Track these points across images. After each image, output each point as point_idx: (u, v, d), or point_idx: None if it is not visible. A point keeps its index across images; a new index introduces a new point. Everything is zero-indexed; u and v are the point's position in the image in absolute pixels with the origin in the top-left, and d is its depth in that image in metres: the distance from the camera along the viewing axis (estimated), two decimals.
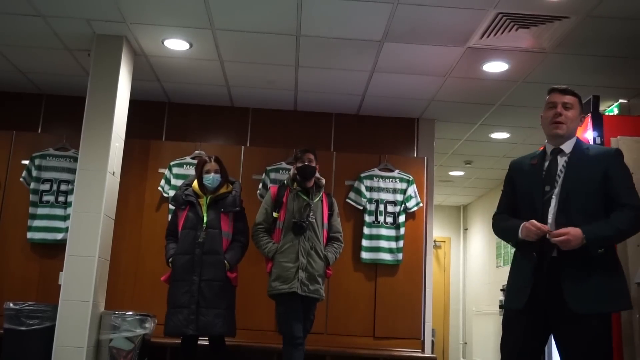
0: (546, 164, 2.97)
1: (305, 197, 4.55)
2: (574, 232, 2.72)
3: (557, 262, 2.80)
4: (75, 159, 5.41)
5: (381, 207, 5.97)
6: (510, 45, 4.92)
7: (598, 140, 4.25)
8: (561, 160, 2.95)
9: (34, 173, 5.73)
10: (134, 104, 5.47)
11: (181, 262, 4.41)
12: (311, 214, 4.50)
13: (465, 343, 10.71)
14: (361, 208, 5.97)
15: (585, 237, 2.71)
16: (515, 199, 3.08)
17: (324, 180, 4.73)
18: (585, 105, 4.54)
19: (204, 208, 4.51)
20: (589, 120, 4.32)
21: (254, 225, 4.63)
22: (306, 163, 4.54)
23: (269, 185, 5.72)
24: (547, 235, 2.78)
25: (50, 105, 6.47)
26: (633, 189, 2.87)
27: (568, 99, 2.97)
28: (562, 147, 2.97)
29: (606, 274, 2.79)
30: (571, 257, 2.76)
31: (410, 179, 6.03)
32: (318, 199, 4.61)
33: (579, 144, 2.99)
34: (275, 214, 4.57)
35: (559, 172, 2.91)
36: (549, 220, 2.87)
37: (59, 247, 5.40)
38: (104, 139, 4.92)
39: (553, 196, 2.88)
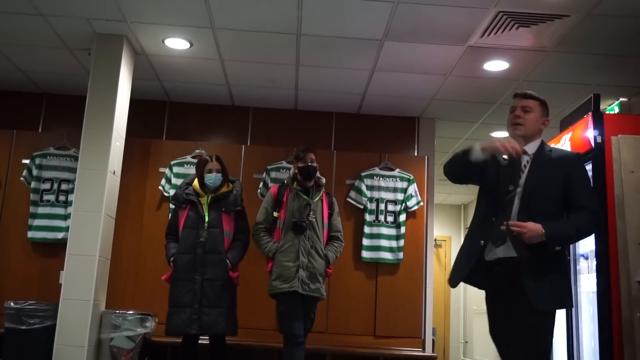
0: (511, 162, 3.06)
1: (305, 197, 4.54)
2: (532, 227, 2.84)
3: (519, 259, 2.92)
4: (76, 158, 5.42)
5: (382, 206, 5.97)
6: (510, 44, 4.92)
7: (599, 139, 4.25)
8: (524, 161, 3.05)
9: (35, 172, 5.73)
10: (134, 103, 5.47)
11: (183, 261, 4.41)
12: (311, 213, 4.49)
13: (466, 342, 10.72)
14: (362, 207, 5.97)
15: (546, 234, 2.83)
16: (482, 170, 3.12)
17: (324, 180, 4.73)
18: (586, 104, 4.55)
19: (205, 207, 4.51)
20: (589, 119, 4.32)
21: (255, 224, 4.62)
22: (309, 163, 4.54)
23: (270, 184, 5.72)
24: (506, 223, 2.90)
25: (50, 104, 6.47)
26: (592, 193, 3.03)
27: (527, 102, 3.11)
28: (526, 147, 3.08)
29: (559, 273, 2.96)
30: (533, 256, 2.89)
31: (411, 178, 6.03)
32: (318, 198, 4.60)
33: (542, 147, 3.10)
34: (275, 214, 4.57)
35: (520, 172, 3.03)
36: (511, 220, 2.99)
37: (59, 246, 5.41)
38: (104, 138, 4.92)
39: (515, 196, 3.00)
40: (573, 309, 4.50)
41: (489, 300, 3.17)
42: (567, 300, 3.03)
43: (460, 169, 3.14)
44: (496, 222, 2.98)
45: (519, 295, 2.87)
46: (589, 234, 3.05)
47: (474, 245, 3.04)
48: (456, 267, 3.15)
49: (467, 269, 3.04)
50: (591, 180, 3.08)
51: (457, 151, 3.25)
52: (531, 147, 3.09)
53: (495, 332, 3.10)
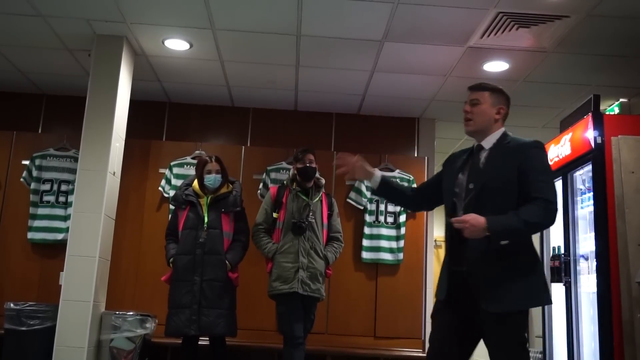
0: (469, 161, 2.96)
1: (304, 197, 4.54)
2: (474, 220, 2.65)
3: (471, 259, 2.76)
4: (76, 159, 5.41)
5: (382, 207, 5.97)
6: (510, 45, 4.92)
7: (599, 140, 4.25)
8: (481, 156, 2.91)
9: (35, 173, 5.73)
10: (134, 104, 5.47)
11: (182, 262, 4.41)
12: (310, 214, 4.49)
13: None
14: (362, 208, 5.97)
15: (488, 227, 2.63)
16: (436, 190, 3.06)
17: (323, 180, 4.73)
18: (586, 105, 4.56)
19: (205, 208, 4.50)
20: (589, 119, 4.32)
21: (254, 225, 4.62)
22: (307, 164, 4.54)
23: (270, 185, 5.72)
24: (450, 220, 2.77)
25: (50, 105, 6.47)
26: (547, 182, 2.77)
27: (474, 95, 2.94)
28: (482, 143, 2.94)
29: (520, 271, 2.73)
30: (484, 257, 2.72)
31: (411, 179, 6.03)
32: (317, 199, 4.60)
33: (501, 139, 2.91)
34: (275, 214, 4.57)
35: (479, 169, 2.88)
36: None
37: (59, 247, 5.41)
38: (104, 139, 4.92)
39: (474, 194, 2.84)
40: (573, 309, 4.50)
41: (442, 317, 2.89)
42: (529, 300, 2.77)
43: (397, 203, 3.10)
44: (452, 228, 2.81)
45: (476, 302, 2.70)
46: (542, 226, 2.82)
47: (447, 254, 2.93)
48: (439, 280, 2.95)
49: (445, 281, 2.85)
50: (548, 168, 2.83)
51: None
52: (489, 141, 2.91)
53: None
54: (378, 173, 3.06)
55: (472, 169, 2.89)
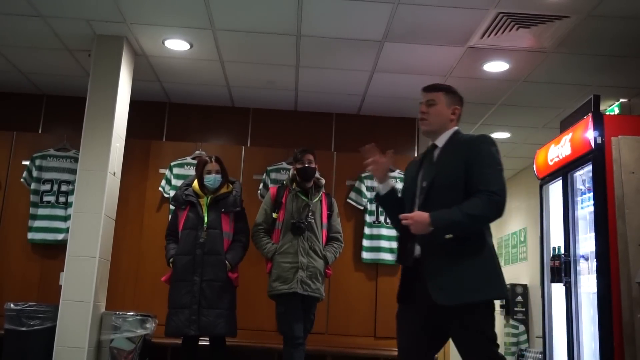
0: (425, 161, 3.01)
1: (304, 198, 4.55)
2: (417, 217, 2.71)
3: (420, 258, 2.80)
4: (76, 160, 5.42)
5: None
6: (510, 45, 4.92)
7: (599, 140, 4.25)
8: (435, 155, 2.97)
9: (35, 173, 5.73)
10: (134, 104, 5.47)
11: (182, 262, 4.41)
12: (310, 214, 4.50)
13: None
14: (362, 208, 5.97)
15: (431, 222, 2.69)
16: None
17: (323, 181, 4.73)
18: (586, 105, 4.56)
19: (205, 208, 4.50)
20: (589, 119, 4.32)
21: (254, 225, 4.63)
22: (306, 165, 4.54)
23: (270, 185, 5.72)
24: (400, 217, 2.79)
25: (50, 105, 6.47)
26: (492, 174, 2.79)
27: (430, 95, 3.00)
28: (436, 141, 2.98)
29: (470, 264, 2.74)
30: (433, 252, 2.75)
31: None
32: (317, 199, 4.61)
33: (453, 136, 2.96)
34: (274, 215, 4.58)
35: (433, 167, 2.93)
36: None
37: (59, 248, 5.41)
38: (104, 139, 4.92)
39: (425, 190, 2.89)
40: (573, 310, 4.50)
41: (406, 317, 2.93)
42: (484, 292, 2.74)
43: (392, 217, 3.07)
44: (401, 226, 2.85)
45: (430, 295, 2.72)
46: (486, 218, 2.78)
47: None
48: (400, 280, 2.98)
49: (404, 278, 2.90)
50: (495, 160, 2.83)
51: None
52: (441, 140, 2.96)
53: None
54: (391, 181, 3.09)
55: (426, 168, 2.96)
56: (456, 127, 3.01)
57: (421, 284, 2.79)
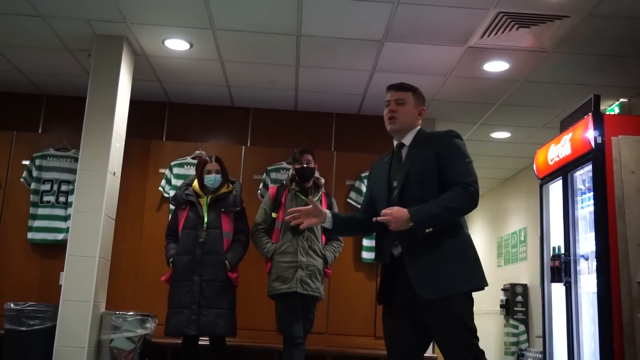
0: (393, 160, 3.02)
1: (303, 197, 4.55)
2: (396, 213, 2.71)
3: (402, 254, 2.81)
4: (76, 159, 5.41)
5: None
6: (511, 45, 4.91)
7: (599, 140, 4.25)
8: (403, 153, 2.98)
9: (35, 173, 5.73)
10: (134, 104, 5.47)
11: (182, 262, 4.41)
12: None
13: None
14: None
15: (410, 218, 2.69)
16: (373, 199, 3.12)
17: (323, 180, 4.73)
18: (586, 104, 4.55)
19: (205, 208, 4.50)
20: (589, 119, 4.31)
21: (254, 225, 4.63)
22: (305, 165, 4.54)
23: (270, 185, 5.72)
24: (374, 218, 2.80)
25: (50, 105, 6.47)
26: (463, 166, 2.83)
27: (400, 94, 3.06)
28: (403, 140, 3.01)
29: (451, 257, 2.77)
30: (414, 248, 2.77)
31: None
32: (317, 198, 4.61)
33: (418, 134, 3.00)
34: (274, 214, 4.58)
35: (401, 165, 2.94)
36: None
37: (59, 248, 5.41)
38: (104, 139, 4.92)
39: (398, 189, 2.90)
40: (573, 309, 4.50)
41: (392, 319, 2.97)
42: (466, 283, 2.77)
43: (353, 229, 3.18)
44: (377, 224, 2.85)
45: (415, 292, 2.74)
46: (462, 210, 2.80)
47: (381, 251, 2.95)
48: (380, 282, 3.02)
49: (383, 280, 2.92)
50: (464, 153, 2.88)
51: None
52: (408, 138, 2.99)
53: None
54: (328, 212, 3.05)
55: (395, 167, 2.97)
56: (420, 126, 3.06)
57: (401, 281, 2.82)
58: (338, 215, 3.12)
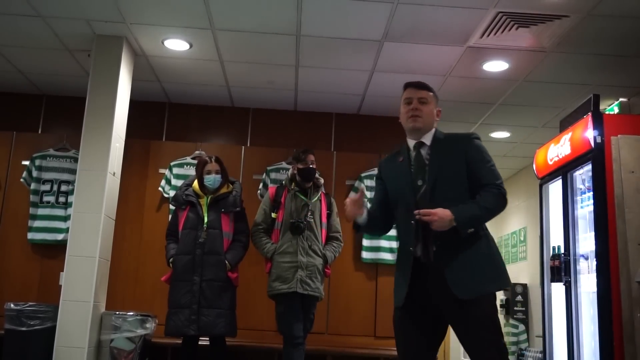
0: (412, 159, 3.00)
1: (303, 197, 4.55)
2: (441, 213, 2.75)
3: (435, 254, 2.82)
4: (76, 160, 5.41)
5: None
6: (510, 45, 4.92)
7: (598, 139, 4.25)
8: (424, 153, 2.99)
9: (35, 173, 5.73)
10: (134, 104, 5.47)
11: (182, 262, 4.41)
12: (309, 214, 4.50)
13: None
14: None
15: (455, 218, 2.75)
16: (387, 198, 3.11)
17: (322, 180, 4.74)
18: (586, 104, 4.56)
19: (205, 208, 4.51)
20: (589, 119, 4.32)
21: (253, 225, 4.63)
22: (310, 165, 4.54)
23: (270, 185, 5.72)
24: (417, 213, 2.80)
25: (50, 105, 6.47)
26: (492, 168, 2.93)
27: (423, 93, 3.04)
28: (423, 139, 3.01)
29: (483, 256, 2.85)
30: (448, 247, 2.80)
31: None
32: (316, 198, 4.61)
33: (437, 134, 3.04)
34: (273, 215, 4.58)
35: (425, 165, 2.95)
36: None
37: (59, 248, 5.41)
38: (104, 140, 4.92)
39: (427, 189, 2.91)
40: (573, 309, 4.50)
41: (406, 323, 2.93)
42: (497, 282, 2.86)
43: (373, 232, 3.10)
44: (416, 222, 2.86)
45: (446, 292, 2.75)
46: (498, 211, 2.92)
47: (406, 253, 2.93)
48: (397, 284, 2.97)
49: (407, 280, 2.87)
50: (489, 156, 2.97)
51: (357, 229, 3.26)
52: (428, 138, 3.01)
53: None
54: (363, 209, 3.08)
55: (417, 166, 2.97)
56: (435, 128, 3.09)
57: (425, 281, 2.83)
58: (368, 213, 3.12)
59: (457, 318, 2.82)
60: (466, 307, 2.75)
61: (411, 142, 3.04)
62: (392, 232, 5.83)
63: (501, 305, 8.15)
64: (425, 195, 2.88)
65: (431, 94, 3.08)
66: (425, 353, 2.89)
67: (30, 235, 5.62)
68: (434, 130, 3.05)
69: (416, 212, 2.79)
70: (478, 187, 2.87)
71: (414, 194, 2.92)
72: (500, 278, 2.88)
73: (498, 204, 2.87)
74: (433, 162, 2.94)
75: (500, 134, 7.14)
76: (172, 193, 5.54)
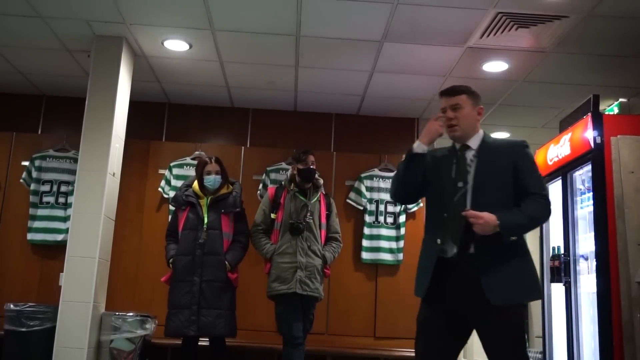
0: (455, 160, 2.99)
1: (302, 198, 4.55)
2: (487, 217, 2.74)
3: (475, 255, 2.81)
4: (76, 160, 5.41)
5: (381, 207, 5.97)
6: (510, 45, 4.92)
7: (598, 140, 4.25)
8: (469, 156, 2.96)
9: (34, 174, 5.73)
10: (134, 104, 5.47)
11: (182, 262, 4.41)
12: (308, 214, 4.50)
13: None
14: (361, 208, 5.97)
15: (500, 224, 2.74)
16: (422, 181, 3.04)
17: (321, 181, 4.73)
18: (585, 104, 4.55)
19: (205, 209, 4.50)
20: (589, 119, 4.32)
21: (253, 226, 4.63)
22: (310, 166, 4.54)
23: (269, 185, 5.72)
24: (466, 211, 2.79)
25: (50, 106, 6.47)
26: (539, 178, 2.95)
27: (454, 100, 2.99)
28: (469, 142, 2.99)
29: (520, 265, 2.85)
30: (486, 250, 2.79)
31: None
32: (316, 199, 4.61)
33: (486, 139, 3.00)
34: (272, 215, 4.58)
35: (467, 167, 2.93)
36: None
37: (59, 248, 5.41)
38: (104, 140, 4.92)
39: (466, 192, 2.89)
40: (573, 310, 4.50)
41: (432, 319, 2.95)
42: (531, 293, 2.89)
43: (403, 182, 3.01)
44: (448, 220, 2.87)
45: (478, 296, 2.73)
46: (542, 221, 2.98)
47: (432, 245, 2.92)
48: (419, 275, 3.01)
49: (430, 272, 2.88)
50: (537, 166, 3.00)
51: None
52: (474, 142, 2.97)
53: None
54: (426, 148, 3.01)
55: (460, 168, 2.95)
56: (482, 129, 3.04)
57: (456, 283, 2.82)
58: (425, 160, 3.01)
59: (484, 323, 2.80)
60: (496, 313, 2.74)
61: (457, 144, 3.02)
62: (391, 233, 5.92)
63: None
64: (463, 197, 2.87)
65: (464, 96, 2.99)
66: (446, 357, 2.89)
67: (30, 236, 5.62)
68: (481, 133, 3.01)
69: (464, 213, 2.78)
70: (524, 195, 2.86)
71: (453, 194, 2.90)
72: (534, 289, 2.90)
73: (543, 213, 2.89)
74: (478, 167, 2.92)
75: (500, 135, 7.13)
76: (171, 193, 5.54)
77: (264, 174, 5.95)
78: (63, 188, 5.74)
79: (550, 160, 4.96)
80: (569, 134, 4.63)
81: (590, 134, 4.28)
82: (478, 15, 4.46)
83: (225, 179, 4.62)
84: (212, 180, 4.54)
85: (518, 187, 2.87)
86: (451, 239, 2.86)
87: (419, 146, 2.95)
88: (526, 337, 2.83)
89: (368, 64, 5.36)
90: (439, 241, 2.88)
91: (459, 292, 2.81)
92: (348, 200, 5.97)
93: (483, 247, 2.79)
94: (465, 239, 2.82)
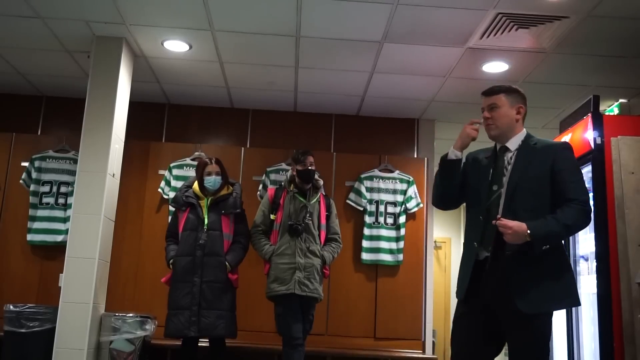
0: (493, 162, 2.97)
1: (302, 199, 4.55)
2: (517, 228, 2.69)
3: (506, 260, 2.77)
4: (75, 161, 5.41)
5: (381, 208, 5.97)
6: (510, 46, 4.92)
7: (598, 140, 4.24)
8: (507, 158, 2.93)
9: (34, 175, 5.72)
10: (133, 105, 5.47)
11: (182, 263, 4.41)
12: (307, 215, 4.50)
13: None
14: (361, 209, 5.96)
15: (530, 234, 2.68)
16: (464, 190, 3.05)
17: (321, 182, 4.74)
18: (586, 105, 4.55)
19: (205, 210, 4.50)
20: (589, 120, 4.31)
21: (252, 227, 4.64)
22: (309, 167, 4.54)
23: (269, 186, 5.72)
24: (497, 218, 2.76)
25: (49, 107, 6.47)
26: (579, 182, 2.84)
27: (490, 100, 2.98)
28: (508, 144, 2.96)
29: (554, 273, 2.77)
30: (520, 256, 2.74)
31: (411, 180, 6.03)
32: (315, 200, 4.61)
33: (527, 140, 2.95)
34: (272, 216, 4.58)
35: (504, 170, 2.90)
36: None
37: (59, 249, 5.40)
38: (103, 141, 4.92)
39: (500, 195, 2.85)
40: (573, 310, 4.50)
41: (466, 320, 2.92)
42: (565, 301, 2.83)
43: (443, 187, 3.00)
44: (484, 223, 2.85)
45: (508, 300, 2.71)
46: (579, 228, 2.86)
47: (470, 248, 2.91)
48: (460, 277, 2.97)
49: (468, 274, 2.85)
50: (579, 169, 2.90)
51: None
52: (513, 143, 2.94)
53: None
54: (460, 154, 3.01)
55: (496, 171, 2.91)
56: (525, 130, 3.00)
57: (489, 285, 2.79)
58: (460, 164, 3.00)
59: (512, 328, 2.78)
60: (525, 320, 2.70)
61: (497, 145, 3.00)
62: (391, 234, 5.92)
63: None
64: (497, 201, 2.83)
65: (501, 95, 2.98)
66: (482, 355, 2.86)
67: (29, 237, 5.62)
68: (522, 134, 2.97)
69: (494, 222, 2.73)
70: (562, 200, 2.77)
71: (487, 197, 2.87)
72: (569, 297, 2.81)
73: (580, 221, 2.78)
74: (515, 169, 2.86)
75: None
76: (171, 194, 5.54)
77: (264, 175, 5.95)
78: (63, 189, 5.74)
79: None
80: (569, 135, 4.62)
81: (590, 135, 4.28)
82: (478, 16, 4.46)
83: (226, 179, 4.63)
84: (213, 181, 4.54)
85: (555, 192, 2.79)
86: (483, 243, 2.84)
87: (452, 152, 2.95)
88: (549, 347, 2.76)
89: (368, 64, 5.36)
90: (475, 244, 2.86)
91: (492, 292, 2.79)
92: (348, 201, 5.96)
93: (516, 252, 2.74)
94: (496, 245, 2.78)
